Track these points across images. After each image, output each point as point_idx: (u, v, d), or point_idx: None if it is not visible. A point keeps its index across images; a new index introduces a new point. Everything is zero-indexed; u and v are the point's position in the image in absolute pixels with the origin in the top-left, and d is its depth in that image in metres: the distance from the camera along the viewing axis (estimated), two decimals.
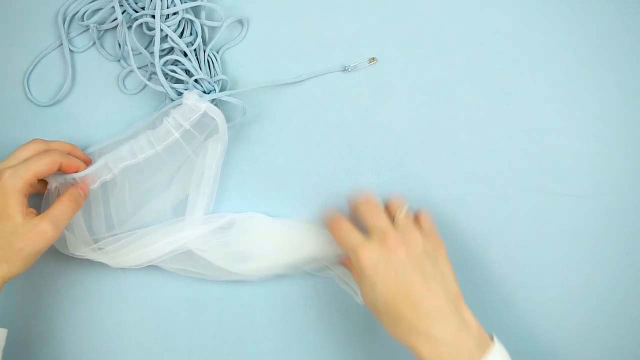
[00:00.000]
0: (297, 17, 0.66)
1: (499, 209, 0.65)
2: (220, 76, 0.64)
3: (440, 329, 0.51)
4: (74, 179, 0.59)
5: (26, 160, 0.55)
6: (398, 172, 0.66)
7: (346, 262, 0.61)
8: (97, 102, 0.67)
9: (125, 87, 0.67)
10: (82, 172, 0.59)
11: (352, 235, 0.55)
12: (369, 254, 0.53)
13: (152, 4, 0.62)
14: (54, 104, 0.67)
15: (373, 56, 0.64)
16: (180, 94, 0.63)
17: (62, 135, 0.66)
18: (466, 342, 0.51)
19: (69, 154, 0.59)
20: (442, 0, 0.66)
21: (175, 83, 0.64)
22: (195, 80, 0.63)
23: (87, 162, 0.61)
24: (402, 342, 0.52)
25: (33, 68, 0.67)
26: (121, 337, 0.67)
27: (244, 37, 0.66)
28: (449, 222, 0.66)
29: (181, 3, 0.62)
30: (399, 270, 0.52)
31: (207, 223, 0.63)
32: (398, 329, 0.52)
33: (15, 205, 0.53)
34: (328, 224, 0.57)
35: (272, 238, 0.62)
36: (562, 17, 0.65)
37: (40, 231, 0.53)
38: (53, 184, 0.60)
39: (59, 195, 0.59)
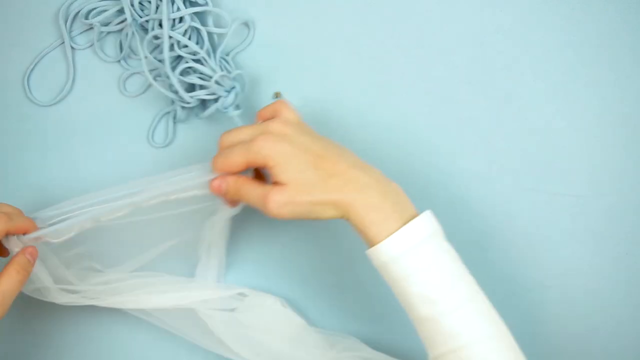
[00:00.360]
0: (299, 16, 0.66)
1: (499, 208, 0.65)
2: (237, 71, 0.63)
3: (364, 175, 0.52)
4: (37, 238, 0.55)
5: None
6: (398, 171, 0.65)
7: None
8: (97, 103, 0.67)
9: (125, 89, 0.67)
10: (44, 230, 0.55)
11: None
12: (266, 143, 0.52)
13: (158, 11, 0.61)
14: (55, 103, 0.67)
15: (278, 91, 0.65)
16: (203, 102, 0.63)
17: (61, 135, 0.66)
18: (391, 190, 0.53)
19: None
20: (442, 0, 0.66)
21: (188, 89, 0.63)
22: (216, 82, 0.62)
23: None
24: (334, 202, 0.52)
25: (33, 67, 0.67)
26: (121, 337, 0.67)
27: (252, 39, 0.66)
28: (449, 222, 0.66)
29: (186, 8, 0.62)
30: (295, 142, 0.52)
31: (217, 289, 0.62)
32: (330, 189, 0.51)
33: None
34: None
35: (282, 336, 0.62)
36: (562, 17, 0.65)
37: None
38: (14, 249, 0.55)
39: None
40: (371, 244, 0.51)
